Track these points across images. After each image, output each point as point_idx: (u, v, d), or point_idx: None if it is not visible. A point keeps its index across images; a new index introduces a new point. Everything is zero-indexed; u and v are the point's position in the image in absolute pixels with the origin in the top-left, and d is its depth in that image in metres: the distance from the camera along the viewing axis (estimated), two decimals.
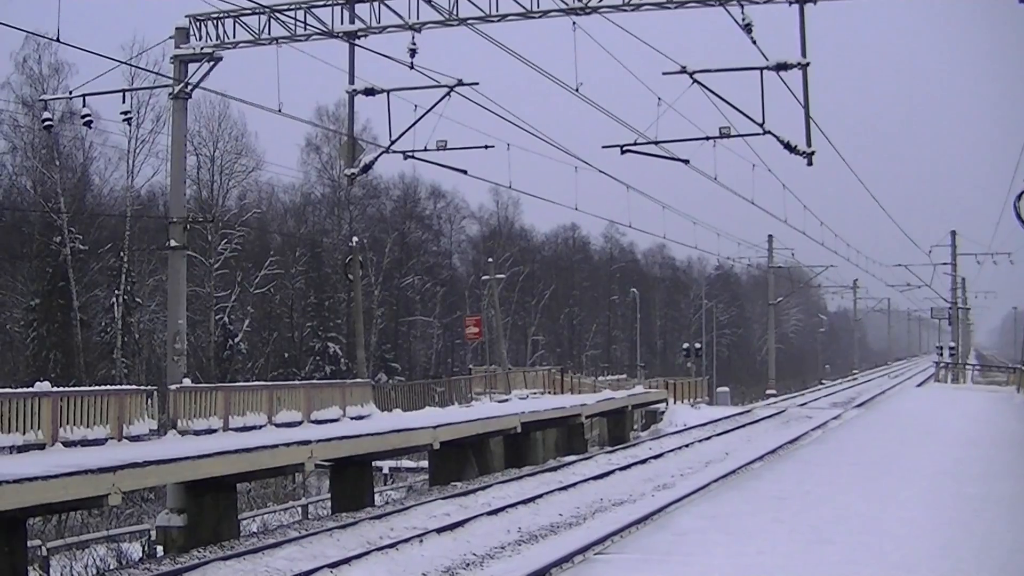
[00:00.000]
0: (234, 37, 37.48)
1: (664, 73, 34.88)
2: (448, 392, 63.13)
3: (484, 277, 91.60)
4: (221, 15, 37.27)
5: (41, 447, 28.76)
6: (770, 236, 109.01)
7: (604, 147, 38.07)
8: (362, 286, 70.93)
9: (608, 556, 17.85)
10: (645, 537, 19.65)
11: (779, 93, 34.21)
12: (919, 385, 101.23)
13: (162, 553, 32.23)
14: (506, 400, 60.71)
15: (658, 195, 54.39)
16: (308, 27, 36.50)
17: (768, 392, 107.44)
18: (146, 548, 35.09)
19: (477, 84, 36.34)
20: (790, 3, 33.51)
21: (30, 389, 30.36)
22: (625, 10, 34.17)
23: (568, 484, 38.99)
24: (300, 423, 40.08)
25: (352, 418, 43.75)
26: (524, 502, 34.56)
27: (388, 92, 37.43)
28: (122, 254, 78.99)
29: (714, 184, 41.55)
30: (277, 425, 38.63)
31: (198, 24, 37.83)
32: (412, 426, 40.97)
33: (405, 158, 38.82)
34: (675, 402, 78.46)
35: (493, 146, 39.16)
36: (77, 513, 39.62)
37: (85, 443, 30.13)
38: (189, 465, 28.75)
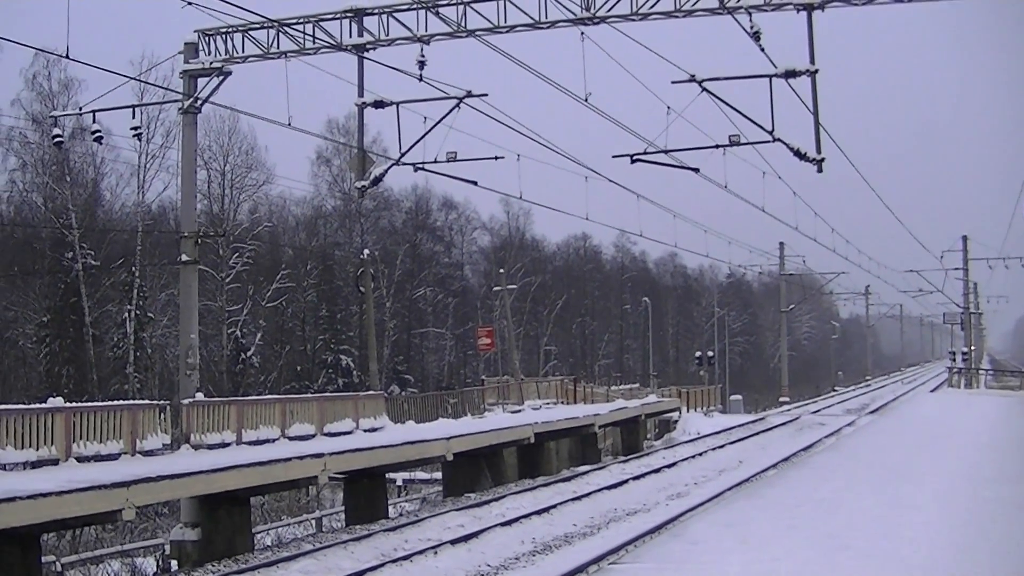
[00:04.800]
0: (243, 51, 37.53)
1: (673, 82, 34.82)
2: (461, 403, 63.15)
3: (496, 288, 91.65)
4: (230, 29, 37.32)
5: (55, 463, 28.78)
6: (781, 243, 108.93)
7: (614, 157, 38.01)
8: (374, 298, 70.97)
9: (623, 565, 17.84)
10: (660, 546, 19.63)
11: (788, 100, 34.17)
12: (932, 390, 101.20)
13: (176, 567, 32.25)
14: (519, 411, 60.64)
15: (669, 204, 54.36)
16: (317, 40, 36.54)
17: (781, 399, 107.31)
18: (160, 563, 35.12)
19: (486, 95, 36.32)
20: (798, 10, 33.47)
21: (43, 405, 30.38)
22: (633, 19, 34.19)
23: (582, 494, 38.95)
24: (313, 436, 40.07)
25: (365, 430, 43.72)
26: (538, 512, 34.52)
27: (397, 104, 37.40)
28: (134, 269, 79.07)
29: (724, 192, 41.52)
30: (290, 438, 38.62)
31: (207, 39, 37.89)
32: (425, 438, 40.97)
33: (416, 170, 38.80)
34: (688, 411, 78.33)
35: (503, 157, 39.12)
36: (91, 528, 39.61)
37: (98, 458, 30.15)
38: (203, 479, 28.77)
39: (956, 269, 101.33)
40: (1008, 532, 18.53)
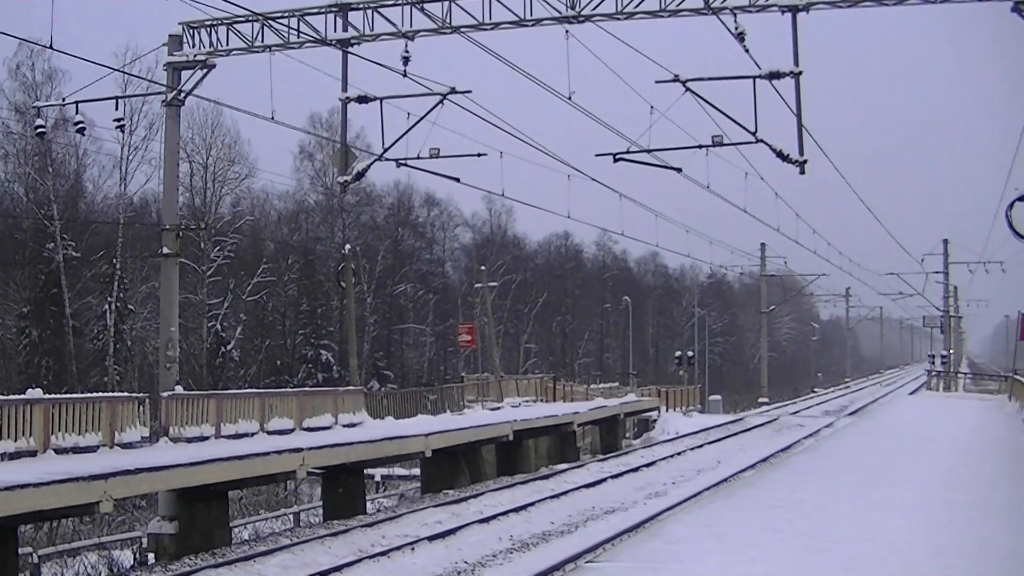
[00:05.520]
0: (227, 44, 37.45)
1: (657, 81, 34.82)
2: (440, 400, 63.01)
3: (477, 285, 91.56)
4: (214, 22, 37.24)
5: (33, 454, 28.68)
6: (763, 244, 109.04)
7: (597, 155, 37.98)
8: (355, 294, 70.93)
9: (600, 564, 17.84)
10: (637, 545, 19.64)
11: (772, 102, 34.21)
12: (911, 393, 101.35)
13: (153, 561, 32.21)
14: (498, 408, 60.64)
15: (651, 203, 54.34)
16: (301, 34, 36.47)
17: (760, 400, 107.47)
18: (137, 556, 35.11)
19: (470, 92, 36.28)
20: (783, 12, 33.51)
21: (22, 396, 30.25)
22: (618, 18, 34.19)
23: (560, 492, 39.00)
24: (292, 431, 40.02)
25: (344, 426, 43.68)
26: (516, 510, 34.57)
27: (381, 100, 37.33)
28: (115, 261, 78.94)
29: (707, 192, 41.53)
30: (269, 432, 38.57)
31: (191, 31, 37.80)
32: (404, 434, 40.97)
33: (398, 166, 38.71)
34: (667, 410, 78.56)
35: (486, 154, 39.03)
36: (68, 520, 39.55)
37: (77, 450, 30.06)
38: (181, 472, 28.75)
39: (936, 272, 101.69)
40: (983, 536, 18.58)
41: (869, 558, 16.49)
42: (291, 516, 43.64)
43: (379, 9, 35.67)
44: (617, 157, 37.18)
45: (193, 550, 30.19)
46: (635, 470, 46.10)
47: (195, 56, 37.72)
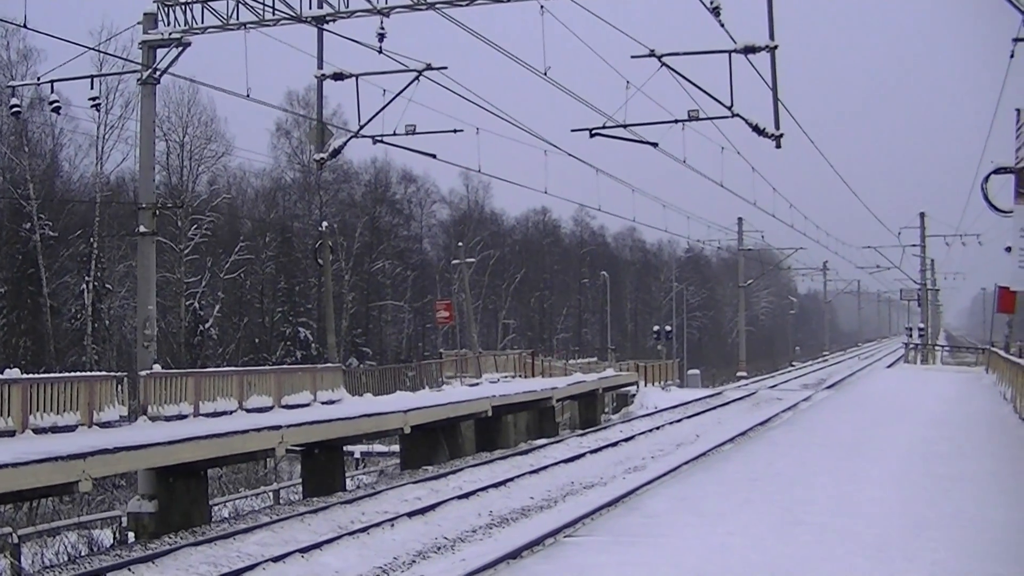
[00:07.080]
0: (202, 22, 37.31)
1: (632, 56, 34.82)
2: (419, 376, 63.07)
3: (455, 261, 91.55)
4: (189, 0, 37.11)
5: (11, 434, 28.67)
6: (740, 219, 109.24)
7: (573, 131, 38.04)
8: (332, 271, 70.87)
9: (578, 539, 17.87)
10: (615, 519, 19.69)
11: (747, 76, 34.26)
12: (889, 366, 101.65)
13: (133, 539, 32.18)
14: (477, 384, 60.71)
15: (627, 178, 54.39)
16: (276, 12, 36.33)
17: (739, 374, 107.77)
18: (117, 534, 35.04)
19: (446, 68, 36.24)
20: None
21: (0, 376, 30.25)
22: None
23: (539, 467, 39.09)
24: (271, 408, 40.05)
25: (323, 403, 43.73)
26: (495, 485, 34.64)
27: (357, 77, 37.28)
28: (92, 240, 78.79)
29: (683, 167, 41.60)
30: (248, 410, 38.59)
31: (166, 9, 37.66)
32: (383, 410, 40.98)
33: (374, 143, 38.72)
34: (646, 385, 78.65)
35: (462, 130, 39.06)
36: (48, 500, 39.49)
37: (55, 430, 30.07)
38: (160, 451, 28.73)
39: (913, 246, 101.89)
40: (960, 508, 18.66)
41: (846, 531, 16.55)
42: (271, 494, 43.64)
43: None
44: (593, 132, 37.22)
45: (173, 528, 30.21)
46: (614, 445, 46.20)
47: (170, 34, 37.61)
